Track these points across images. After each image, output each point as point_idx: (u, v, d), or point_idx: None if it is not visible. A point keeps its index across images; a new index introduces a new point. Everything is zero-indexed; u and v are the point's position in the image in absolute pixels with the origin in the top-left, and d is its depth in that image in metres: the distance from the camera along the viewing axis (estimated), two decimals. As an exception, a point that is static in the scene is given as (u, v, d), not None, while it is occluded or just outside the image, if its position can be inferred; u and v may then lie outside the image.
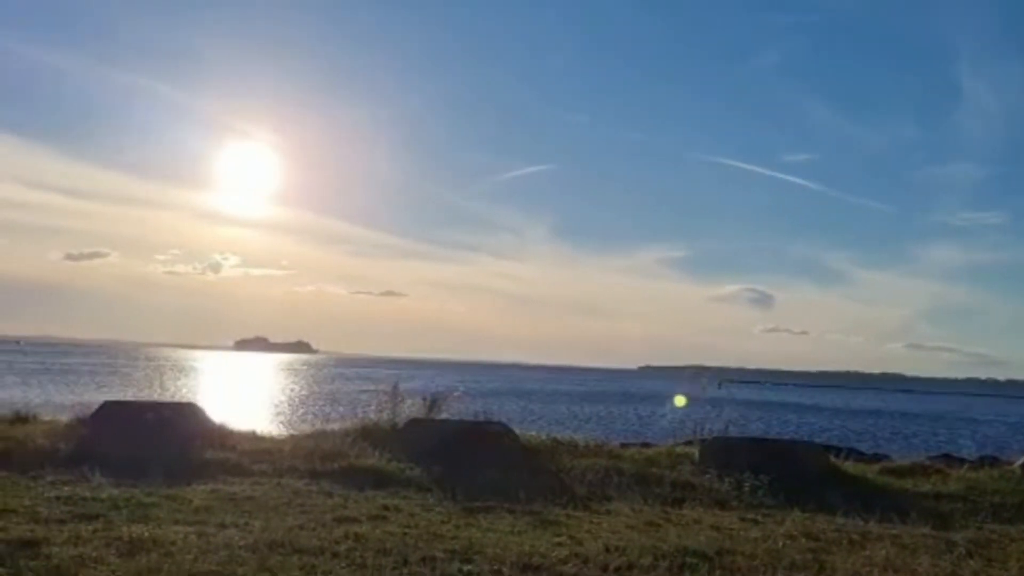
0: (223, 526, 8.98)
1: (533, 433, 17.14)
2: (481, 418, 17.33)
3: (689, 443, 16.93)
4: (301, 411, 47.16)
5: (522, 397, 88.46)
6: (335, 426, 17.60)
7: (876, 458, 19.38)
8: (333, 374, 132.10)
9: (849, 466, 16.36)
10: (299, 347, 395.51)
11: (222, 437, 14.81)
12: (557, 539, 9.40)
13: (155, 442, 13.40)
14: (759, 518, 11.58)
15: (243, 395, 63.45)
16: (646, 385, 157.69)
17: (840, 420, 78.76)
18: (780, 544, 9.79)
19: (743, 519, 11.46)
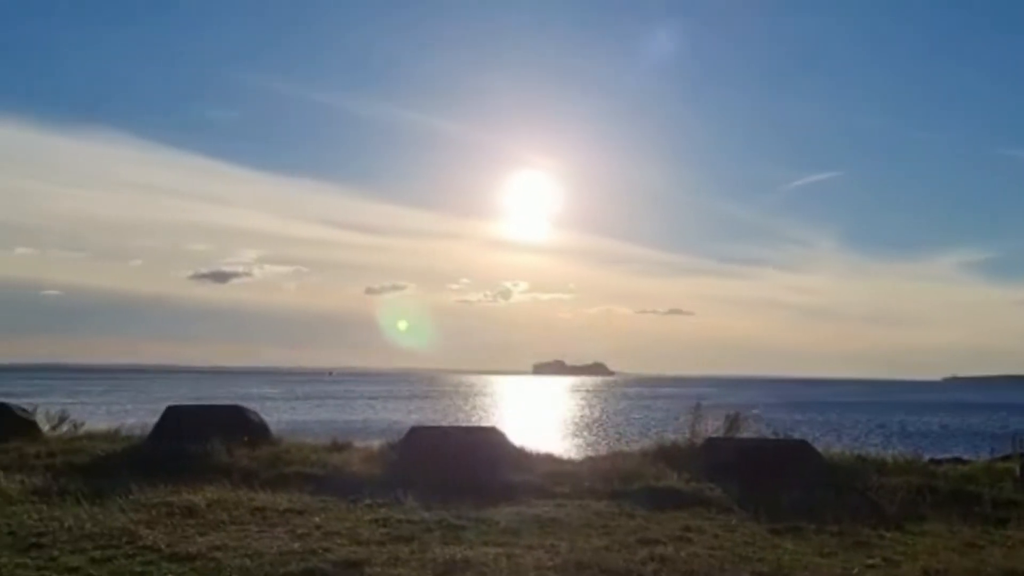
0: (531, 547, 9.18)
1: (836, 450, 16.54)
2: (780, 435, 16.95)
3: (1007, 458, 15.89)
4: (597, 432, 47.63)
5: (819, 412, 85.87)
6: (632, 447, 17.65)
7: None
8: (628, 394, 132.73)
9: None
10: (596, 369, 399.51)
11: (523, 460, 15.14)
12: (870, 560, 9.04)
13: (460, 465, 13.86)
14: (1096, 539, 10.67)
15: (540, 418, 64.75)
16: (954, 396, 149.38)
17: None
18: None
19: (1077, 540, 10.58)
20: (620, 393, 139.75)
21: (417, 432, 16.26)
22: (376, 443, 16.96)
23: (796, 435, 17.54)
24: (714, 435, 16.18)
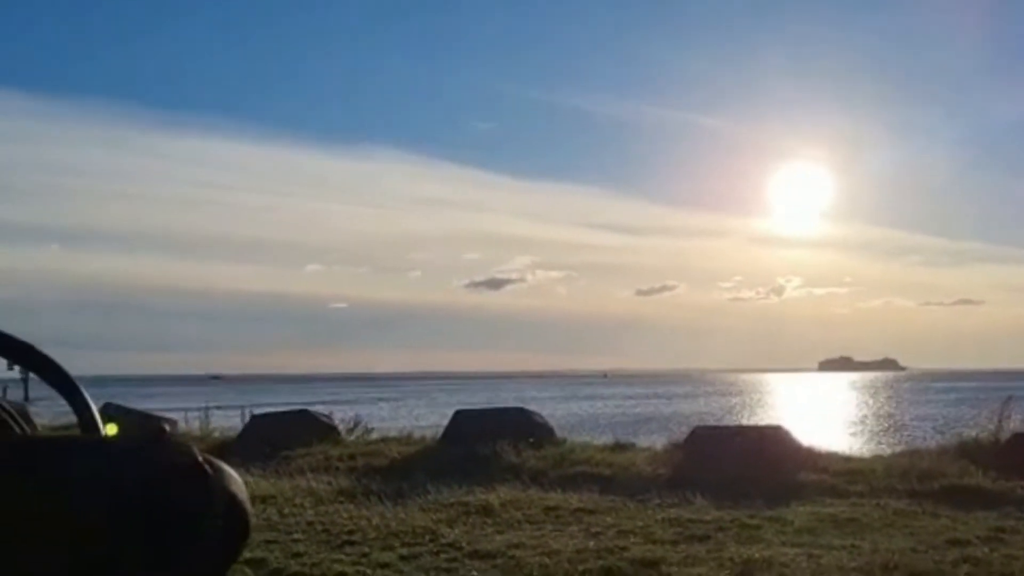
0: (830, 548, 8.90)
1: None
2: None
3: None
4: (889, 429, 45.70)
5: None
6: (929, 444, 16.86)
7: None
8: (919, 389, 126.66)
9: None
10: (886, 364, 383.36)
11: (811, 459, 14.73)
12: None
13: (745, 465, 13.63)
14: None
15: (826, 416, 62.81)
16: None
17: None
18: None
19: None
20: (911, 388, 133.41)
21: (700, 432, 16.14)
22: (659, 443, 16.96)
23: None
24: (1021, 430, 15.22)
